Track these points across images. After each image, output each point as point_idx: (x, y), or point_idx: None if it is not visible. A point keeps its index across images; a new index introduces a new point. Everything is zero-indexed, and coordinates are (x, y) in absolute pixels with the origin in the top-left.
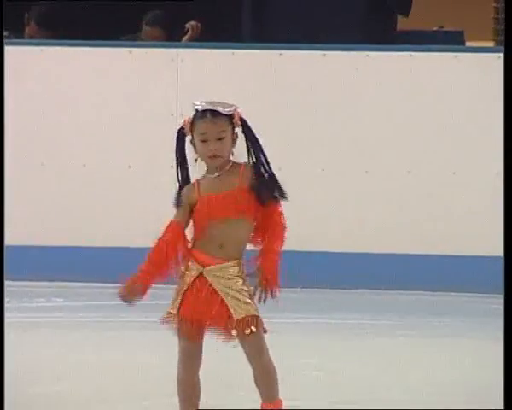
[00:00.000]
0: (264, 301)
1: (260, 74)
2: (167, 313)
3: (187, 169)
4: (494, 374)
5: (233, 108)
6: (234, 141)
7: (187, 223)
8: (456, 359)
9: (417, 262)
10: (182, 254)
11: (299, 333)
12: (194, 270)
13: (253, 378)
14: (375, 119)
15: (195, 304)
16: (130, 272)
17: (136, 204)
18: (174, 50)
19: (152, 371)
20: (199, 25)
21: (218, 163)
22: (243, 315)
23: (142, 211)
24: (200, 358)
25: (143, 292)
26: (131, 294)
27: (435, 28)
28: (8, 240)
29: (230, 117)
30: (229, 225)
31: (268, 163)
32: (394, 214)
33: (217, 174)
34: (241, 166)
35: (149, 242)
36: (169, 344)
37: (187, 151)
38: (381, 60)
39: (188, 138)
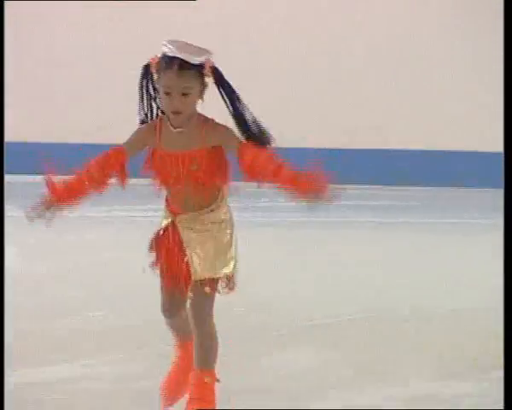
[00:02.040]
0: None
1: None
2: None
3: (151, 106)
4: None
5: (204, 56)
6: (201, 93)
7: (131, 154)
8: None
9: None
10: (120, 178)
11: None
12: (167, 217)
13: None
14: None
15: (168, 256)
16: None
17: None
18: None
19: None
20: None
21: (180, 120)
22: (203, 277)
23: None
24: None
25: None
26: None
27: None
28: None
29: (200, 68)
30: (188, 190)
31: (249, 112)
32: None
33: (179, 130)
34: (208, 122)
35: None
36: None
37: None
38: None
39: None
